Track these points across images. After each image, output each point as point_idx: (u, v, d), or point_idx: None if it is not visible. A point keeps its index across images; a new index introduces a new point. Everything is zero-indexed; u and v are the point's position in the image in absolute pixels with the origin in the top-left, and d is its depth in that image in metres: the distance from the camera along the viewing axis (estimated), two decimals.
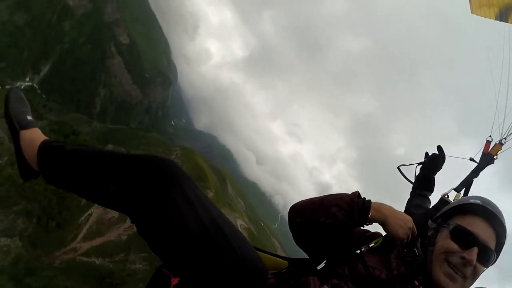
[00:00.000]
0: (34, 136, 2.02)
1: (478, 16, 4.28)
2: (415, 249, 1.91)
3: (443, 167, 2.85)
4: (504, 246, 1.81)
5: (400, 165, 2.86)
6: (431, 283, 1.73)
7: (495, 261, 1.78)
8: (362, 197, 1.94)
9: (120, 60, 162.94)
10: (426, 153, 2.87)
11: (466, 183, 2.69)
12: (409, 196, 2.91)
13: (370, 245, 1.92)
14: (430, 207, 2.57)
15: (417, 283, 1.74)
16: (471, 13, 4.37)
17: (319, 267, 1.90)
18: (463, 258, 1.68)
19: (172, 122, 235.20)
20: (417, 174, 2.89)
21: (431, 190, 2.84)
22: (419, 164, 2.86)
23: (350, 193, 1.96)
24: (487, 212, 1.77)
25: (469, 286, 1.74)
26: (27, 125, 2.04)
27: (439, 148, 2.81)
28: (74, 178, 1.83)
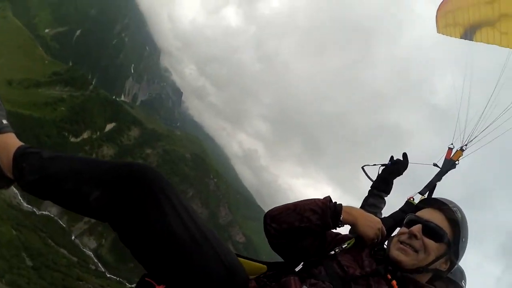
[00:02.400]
0: (9, 141, 1.89)
1: (444, 35, 4.44)
2: (385, 247, 2.12)
3: (404, 173, 3.01)
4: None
5: (364, 165, 2.96)
6: (397, 270, 1.93)
7: (453, 240, 2.00)
8: (334, 201, 2.12)
9: None
10: (391, 157, 2.97)
11: (430, 187, 2.89)
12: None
13: (343, 246, 2.06)
14: (398, 209, 2.68)
15: (390, 277, 1.88)
16: (437, 32, 4.56)
17: (297, 269, 1.97)
18: (408, 233, 1.99)
19: None
20: (378, 175, 3.01)
21: (387, 192, 3.05)
22: (382, 165, 2.98)
23: (322, 197, 2.14)
24: (431, 201, 2.19)
25: (425, 260, 1.95)
26: (2, 129, 1.91)
27: (404, 155, 2.96)
28: (52, 186, 1.75)
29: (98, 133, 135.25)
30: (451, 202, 2.09)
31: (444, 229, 1.98)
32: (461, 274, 2.69)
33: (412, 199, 2.68)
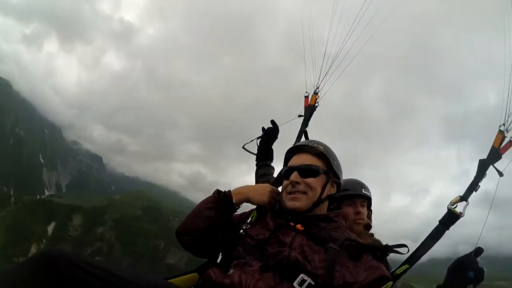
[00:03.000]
0: None
1: None
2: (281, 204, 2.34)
3: (278, 137, 3.28)
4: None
5: (244, 144, 3.18)
6: (295, 215, 2.20)
7: (327, 168, 2.30)
8: (223, 190, 2.34)
9: None
10: (263, 128, 3.20)
11: (301, 135, 3.29)
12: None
13: (248, 221, 2.29)
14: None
15: (292, 224, 2.15)
16: None
17: (218, 260, 2.16)
18: (290, 182, 2.25)
19: None
20: (257, 148, 3.23)
21: (271, 159, 3.29)
22: (258, 138, 3.20)
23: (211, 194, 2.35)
24: (294, 149, 2.43)
25: (315, 195, 2.22)
26: None
27: (272, 121, 3.20)
28: None
29: (44, 240, 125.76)
30: (311, 141, 2.43)
31: (316, 164, 2.28)
32: (359, 184, 3.06)
33: None
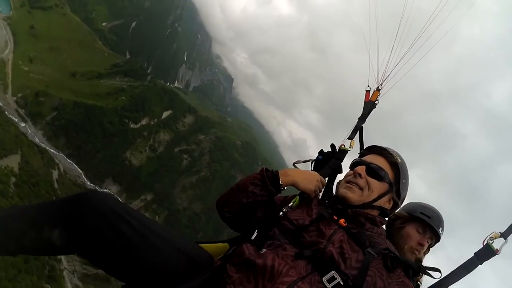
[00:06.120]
0: None
1: None
2: (332, 193, 2.37)
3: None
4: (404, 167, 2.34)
5: (295, 162, 2.86)
6: (347, 207, 2.17)
7: (394, 180, 2.29)
8: (270, 169, 2.29)
9: None
10: (321, 151, 2.94)
11: (356, 130, 3.02)
12: None
13: (290, 205, 2.24)
14: (334, 158, 2.76)
15: (336, 218, 2.09)
16: None
17: (253, 237, 2.15)
18: (353, 172, 2.28)
19: None
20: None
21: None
22: (312, 161, 2.90)
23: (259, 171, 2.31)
24: (373, 148, 2.48)
25: (369, 197, 2.22)
26: None
27: (332, 146, 2.93)
28: (18, 243, 1.80)
29: (156, 120, 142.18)
30: (391, 149, 2.41)
31: (385, 170, 2.28)
32: (441, 221, 2.83)
33: (343, 146, 2.89)
